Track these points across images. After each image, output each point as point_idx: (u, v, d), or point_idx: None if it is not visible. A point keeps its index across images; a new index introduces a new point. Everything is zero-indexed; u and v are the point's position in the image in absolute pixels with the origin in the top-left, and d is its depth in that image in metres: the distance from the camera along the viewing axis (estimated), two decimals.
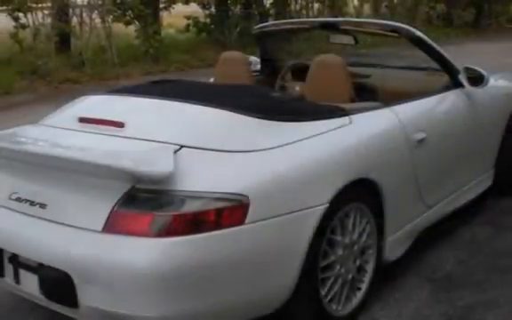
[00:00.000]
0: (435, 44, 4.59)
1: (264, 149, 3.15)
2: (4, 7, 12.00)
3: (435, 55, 4.61)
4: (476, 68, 4.86)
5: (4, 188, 3.27)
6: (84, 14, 13.06)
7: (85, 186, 3.00)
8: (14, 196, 3.19)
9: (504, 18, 25.34)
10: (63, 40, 13.14)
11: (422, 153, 3.99)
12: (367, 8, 22.18)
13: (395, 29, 4.67)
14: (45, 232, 3.01)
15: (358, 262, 3.56)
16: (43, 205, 3.07)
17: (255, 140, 3.18)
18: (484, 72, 4.84)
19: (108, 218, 2.86)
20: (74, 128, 3.45)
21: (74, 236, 2.92)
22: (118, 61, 13.29)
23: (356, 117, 3.69)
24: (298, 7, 18.55)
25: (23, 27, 11.91)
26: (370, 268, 3.66)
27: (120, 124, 3.29)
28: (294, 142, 3.27)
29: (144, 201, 2.87)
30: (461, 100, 4.60)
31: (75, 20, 13.05)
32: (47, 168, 3.15)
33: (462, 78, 4.60)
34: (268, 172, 3.07)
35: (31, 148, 3.34)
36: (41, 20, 12.18)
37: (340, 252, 3.39)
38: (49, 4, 12.54)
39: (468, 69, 4.71)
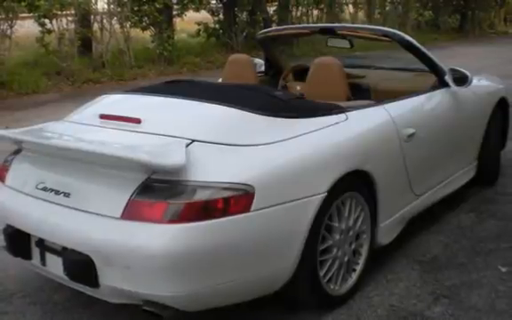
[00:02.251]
0: (423, 48, 4.57)
1: (268, 143, 3.14)
2: (32, 14, 11.99)
3: (423, 57, 4.60)
4: (461, 69, 4.85)
5: (31, 178, 3.27)
6: (105, 21, 13.03)
7: (106, 176, 2.99)
8: (41, 186, 3.18)
9: (486, 24, 25.27)
10: (85, 44, 13.10)
11: (412, 147, 3.98)
12: (361, 15, 22.11)
13: (386, 34, 4.66)
14: (69, 218, 3.01)
15: (353, 246, 3.55)
16: (67, 194, 3.06)
17: (260, 135, 3.18)
18: (467, 73, 4.83)
19: (126, 205, 2.86)
20: (95, 124, 3.45)
21: (95, 222, 2.92)
22: (135, 63, 13.27)
23: (351, 114, 3.68)
24: (298, 14, 18.49)
25: (49, 32, 11.87)
26: (364, 251, 3.65)
27: (137, 121, 3.29)
28: (295, 137, 3.26)
29: (159, 190, 2.86)
30: (447, 98, 4.59)
31: (96, 25, 13.03)
32: (71, 160, 3.15)
33: (448, 79, 4.58)
34: (271, 164, 3.07)
35: (57, 143, 3.34)
36: (65, 26, 12.14)
37: (337, 236, 3.39)
38: (72, 12, 12.52)
39: (453, 70, 4.69)
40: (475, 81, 4.94)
